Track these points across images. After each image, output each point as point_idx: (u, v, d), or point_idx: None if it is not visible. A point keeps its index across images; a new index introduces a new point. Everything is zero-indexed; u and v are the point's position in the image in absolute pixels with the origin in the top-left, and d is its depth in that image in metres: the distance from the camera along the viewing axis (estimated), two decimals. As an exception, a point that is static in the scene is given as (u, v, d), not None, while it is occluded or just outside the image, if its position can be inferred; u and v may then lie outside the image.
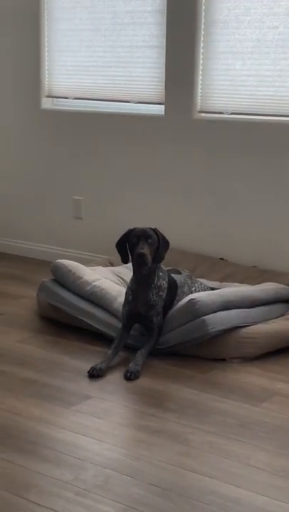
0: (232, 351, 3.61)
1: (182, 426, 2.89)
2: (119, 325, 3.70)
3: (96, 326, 3.80)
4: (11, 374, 3.38)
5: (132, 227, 3.64)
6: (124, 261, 3.64)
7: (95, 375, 3.34)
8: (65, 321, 3.97)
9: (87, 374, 3.35)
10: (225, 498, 2.43)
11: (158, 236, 3.55)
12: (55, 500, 2.38)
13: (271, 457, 2.69)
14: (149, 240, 3.51)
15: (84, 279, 4.01)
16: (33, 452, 2.68)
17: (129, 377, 3.32)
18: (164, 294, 3.60)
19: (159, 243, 3.54)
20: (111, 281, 4.12)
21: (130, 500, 2.40)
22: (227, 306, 3.68)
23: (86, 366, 3.47)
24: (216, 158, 4.64)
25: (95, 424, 2.91)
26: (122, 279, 4.25)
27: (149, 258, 3.47)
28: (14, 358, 3.57)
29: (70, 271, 4.07)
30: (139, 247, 3.48)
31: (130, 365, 3.39)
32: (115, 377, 3.36)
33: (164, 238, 3.59)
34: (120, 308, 3.72)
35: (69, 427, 2.89)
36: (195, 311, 3.56)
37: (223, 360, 3.59)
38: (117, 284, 4.14)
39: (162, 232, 3.63)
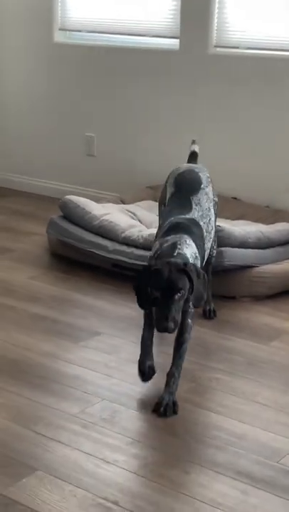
0: (243, 290, 3.60)
1: (190, 363, 2.89)
2: (130, 251, 3.70)
3: (106, 255, 3.79)
4: (22, 310, 3.40)
5: (152, 264, 2.62)
6: (144, 307, 2.67)
7: (150, 374, 2.69)
8: (75, 257, 3.97)
9: (141, 377, 2.70)
10: (230, 433, 2.45)
11: (190, 278, 2.53)
12: (62, 432, 2.41)
13: (278, 395, 2.71)
14: (178, 295, 2.50)
15: (92, 213, 4.00)
16: (41, 386, 2.71)
17: (165, 413, 2.53)
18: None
19: (192, 285, 2.54)
20: (121, 215, 4.10)
21: (136, 434, 2.43)
22: (244, 245, 3.66)
23: (96, 303, 3.49)
24: (231, 94, 4.54)
25: (103, 360, 2.93)
26: (134, 214, 4.23)
27: (177, 322, 2.51)
28: (25, 294, 3.59)
29: (78, 206, 4.06)
30: (163, 316, 2.46)
31: (164, 394, 2.58)
32: (124, 314, 3.36)
33: (198, 274, 2.57)
34: (130, 236, 3.71)
35: (77, 362, 2.91)
36: (216, 239, 3.52)
37: (234, 298, 3.58)
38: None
39: (195, 265, 2.65)
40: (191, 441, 2.41)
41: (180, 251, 2.63)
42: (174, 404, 2.55)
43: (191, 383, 2.77)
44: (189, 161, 3.46)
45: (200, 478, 2.21)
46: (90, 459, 2.27)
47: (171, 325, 2.45)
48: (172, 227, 2.78)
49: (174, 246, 2.65)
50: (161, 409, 2.53)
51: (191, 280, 2.52)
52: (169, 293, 2.47)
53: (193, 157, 3.48)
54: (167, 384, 2.60)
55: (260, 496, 2.12)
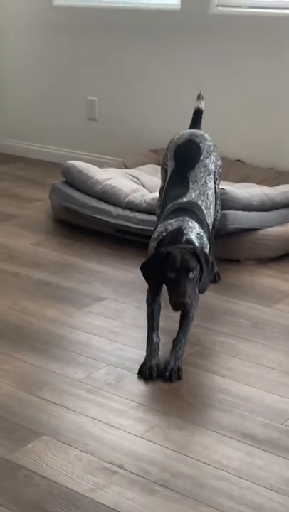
0: (247, 253, 3.58)
1: (194, 326, 2.88)
2: (133, 215, 3.68)
3: (109, 220, 3.76)
4: (25, 276, 3.39)
5: (163, 250, 2.61)
6: (155, 293, 2.70)
7: (152, 376, 2.55)
8: (78, 223, 3.95)
9: (140, 376, 2.57)
10: (235, 396, 2.45)
11: (200, 262, 2.59)
12: (68, 397, 2.42)
13: (282, 357, 2.70)
14: (191, 275, 2.55)
15: (95, 178, 3.97)
16: (45, 352, 2.71)
17: (170, 379, 2.53)
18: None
19: (202, 269, 2.60)
20: (124, 180, 4.06)
21: (141, 398, 2.43)
22: (248, 208, 3.63)
23: (99, 268, 3.48)
24: (233, 54, 4.47)
25: (107, 325, 2.92)
26: (137, 179, 4.19)
27: (192, 300, 2.57)
28: (28, 260, 3.58)
29: (80, 171, 4.03)
30: (181, 292, 2.50)
31: (169, 359, 2.58)
32: (128, 279, 3.35)
33: (207, 260, 2.62)
34: (133, 200, 3.68)
35: (81, 327, 2.91)
36: (220, 203, 3.50)
37: (238, 261, 3.57)
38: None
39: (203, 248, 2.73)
40: (196, 404, 2.41)
41: (187, 236, 2.69)
42: (179, 369, 2.55)
43: (196, 346, 2.77)
44: (193, 121, 3.40)
45: (205, 440, 2.21)
46: (95, 424, 2.28)
47: (188, 300, 2.49)
48: (174, 211, 2.84)
49: (179, 232, 2.71)
50: (166, 374, 2.53)
51: (201, 265, 2.58)
52: (185, 272, 2.53)
53: (197, 116, 3.40)
54: (173, 350, 2.60)
55: (265, 458, 2.12)
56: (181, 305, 2.50)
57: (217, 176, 3.16)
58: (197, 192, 2.96)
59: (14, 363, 2.63)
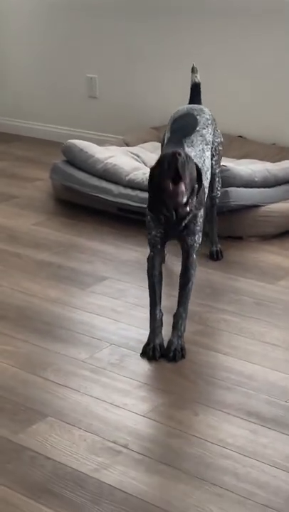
0: (250, 230, 3.56)
1: (197, 305, 2.88)
2: (134, 194, 3.65)
3: (110, 199, 3.74)
4: (26, 257, 3.38)
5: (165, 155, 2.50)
6: (155, 209, 2.54)
7: (156, 356, 2.52)
8: (80, 202, 3.93)
9: (144, 356, 2.54)
10: (239, 374, 2.44)
11: (198, 173, 2.53)
12: (71, 378, 2.41)
13: (286, 334, 2.69)
14: (191, 175, 2.47)
15: (96, 157, 3.94)
16: (48, 332, 2.71)
17: (174, 359, 2.51)
18: (201, 207, 2.61)
19: (200, 184, 2.54)
20: (125, 158, 4.03)
21: (145, 377, 2.43)
22: (251, 184, 3.60)
23: (101, 247, 3.47)
24: (233, 28, 4.42)
25: (110, 305, 2.91)
26: (138, 156, 4.16)
27: (192, 208, 2.51)
28: (29, 240, 3.56)
29: (81, 150, 4.00)
30: (178, 189, 2.41)
31: (172, 338, 2.55)
32: (130, 258, 3.33)
33: (201, 180, 2.55)
34: (134, 178, 3.65)
35: (84, 307, 2.90)
36: (221, 179, 3.47)
37: (241, 238, 3.55)
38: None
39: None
40: (200, 382, 2.41)
41: (185, 150, 2.65)
42: (182, 348, 2.54)
43: (199, 325, 2.75)
44: (192, 96, 3.33)
45: (209, 419, 2.21)
46: (99, 404, 2.27)
47: (188, 206, 2.45)
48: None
49: (178, 146, 2.66)
50: (170, 354, 2.52)
51: (199, 174, 2.52)
52: (182, 170, 2.40)
53: (195, 90, 3.32)
54: (175, 326, 2.58)
55: (270, 436, 2.12)
56: (176, 203, 2.42)
57: (215, 153, 3.09)
58: (193, 154, 2.80)
59: (17, 344, 2.62)
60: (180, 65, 4.65)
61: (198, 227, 2.60)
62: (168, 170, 2.41)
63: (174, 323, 2.59)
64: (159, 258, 2.64)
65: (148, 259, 2.64)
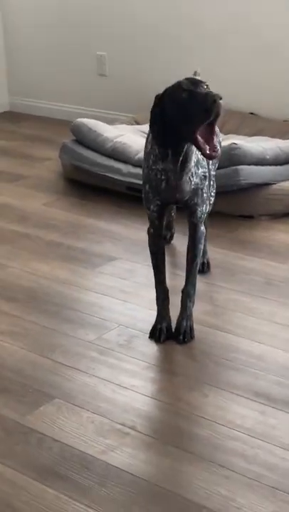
0: (260, 208, 3.52)
1: (207, 285, 2.86)
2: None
3: (120, 178, 3.70)
4: (36, 237, 3.36)
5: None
6: (161, 140, 2.31)
7: (161, 339, 2.51)
8: (90, 182, 3.90)
9: (152, 338, 2.53)
10: (248, 354, 2.42)
11: None
12: (79, 359, 2.41)
13: (296, 314, 2.67)
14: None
15: (105, 136, 3.91)
16: (57, 313, 2.70)
17: (184, 340, 2.49)
18: (206, 171, 2.48)
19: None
20: (135, 137, 3.99)
21: (153, 359, 2.42)
22: (262, 162, 3.56)
23: (111, 227, 3.45)
24: (251, 4, 4.34)
25: (119, 285, 2.90)
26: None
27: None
28: (39, 221, 3.55)
29: (90, 129, 3.97)
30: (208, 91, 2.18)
31: (181, 320, 2.53)
32: (139, 238, 3.31)
33: None
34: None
35: (93, 288, 2.89)
36: (231, 157, 3.42)
37: (251, 217, 3.51)
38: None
39: None
40: (209, 363, 2.39)
41: None
42: (191, 328, 2.51)
43: (208, 305, 2.73)
44: None
45: (218, 400, 2.19)
46: (107, 385, 2.26)
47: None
48: None
49: None
50: (180, 336, 2.49)
51: None
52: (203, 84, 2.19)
53: None
54: (183, 305, 2.54)
55: (279, 417, 2.10)
56: (216, 150, 2.19)
57: None
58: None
59: (26, 325, 2.62)
60: (191, 42, 4.60)
61: (205, 195, 2.47)
62: (208, 112, 2.14)
63: (182, 301, 2.54)
64: (159, 233, 2.54)
65: (149, 235, 2.56)
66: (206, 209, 2.51)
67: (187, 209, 2.48)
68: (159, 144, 2.31)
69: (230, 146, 3.47)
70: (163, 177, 2.36)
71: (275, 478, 1.87)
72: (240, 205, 3.49)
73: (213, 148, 2.20)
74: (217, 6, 4.45)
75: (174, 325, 2.54)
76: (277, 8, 4.25)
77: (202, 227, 2.52)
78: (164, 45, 4.72)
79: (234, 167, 3.42)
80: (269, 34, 4.31)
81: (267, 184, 3.50)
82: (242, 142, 3.63)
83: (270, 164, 3.58)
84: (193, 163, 2.36)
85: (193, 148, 2.32)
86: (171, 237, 3.26)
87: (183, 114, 2.19)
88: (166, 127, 2.24)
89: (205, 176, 2.45)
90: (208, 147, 2.20)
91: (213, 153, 2.21)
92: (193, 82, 2.22)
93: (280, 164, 3.62)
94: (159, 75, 4.76)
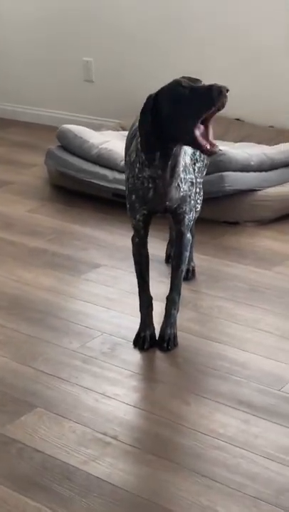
0: (246, 214, 3.52)
1: (192, 292, 2.85)
2: None
3: (105, 184, 3.69)
4: (21, 244, 3.35)
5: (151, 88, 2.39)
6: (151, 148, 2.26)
7: (145, 346, 2.49)
8: (75, 188, 3.89)
9: (136, 346, 2.51)
10: (232, 362, 2.41)
11: None
12: (62, 367, 2.39)
13: (280, 320, 2.66)
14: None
15: (91, 142, 3.90)
16: (40, 321, 2.68)
17: (168, 348, 2.48)
18: (193, 177, 2.46)
19: None
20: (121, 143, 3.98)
21: (136, 367, 2.40)
22: (247, 168, 3.56)
23: (96, 234, 3.43)
24: (231, 5, 4.34)
25: (103, 292, 2.88)
26: (133, 143, 4.11)
27: None
28: (24, 227, 3.53)
29: (76, 135, 3.96)
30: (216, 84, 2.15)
31: (165, 327, 2.51)
32: (124, 244, 3.30)
33: None
34: None
35: (78, 295, 2.87)
36: (216, 164, 3.42)
37: (237, 223, 3.50)
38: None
39: None
40: (193, 371, 2.38)
41: None
42: (174, 337, 2.50)
43: (193, 312, 2.72)
44: None
45: (201, 409, 2.18)
46: (89, 394, 2.25)
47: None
48: None
49: None
50: (164, 344, 2.48)
51: None
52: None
53: None
54: (167, 313, 2.52)
55: (261, 425, 2.09)
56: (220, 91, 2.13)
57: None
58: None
59: (8, 333, 2.60)
60: (176, 47, 4.59)
61: (193, 202, 2.45)
62: (213, 100, 2.12)
63: (166, 308, 2.53)
64: (144, 242, 2.51)
65: (133, 245, 2.53)
66: (192, 216, 2.50)
67: (175, 217, 2.45)
68: (146, 147, 2.27)
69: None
70: (150, 185, 2.33)
71: (257, 488, 1.86)
72: (225, 211, 3.48)
73: (212, 143, 2.18)
74: (203, 14, 4.45)
75: (158, 332, 2.53)
76: (264, 14, 4.25)
77: (188, 235, 2.51)
78: (150, 52, 4.71)
79: (219, 173, 3.42)
80: (255, 40, 4.32)
81: (252, 190, 3.49)
82: (227, 148, 3.63)
83: (255, 170, 3.58)
84: (182, 168, 2.34)
85: (182, 152, 2.31)
86: None
87: (184, 109, 2.16)
88: (158, 127, 2.21)
89: (192, 183, 2.43)
90: (207, 143, 2.17)
91: (214, 149, 2.18)
92: (192, 80, 2.21)
93: (265, 170, 3.61)
94: (145, 81, 4.75)
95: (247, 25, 4.33)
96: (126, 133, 4.24)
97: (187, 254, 2.54)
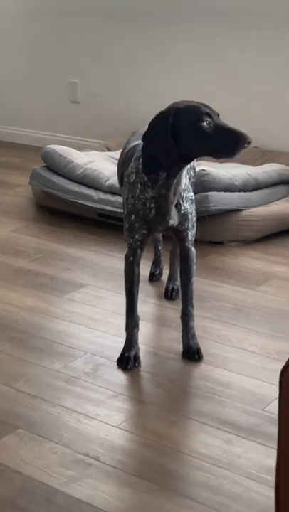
0: (231, 234, 3.52)
1: (176, 312, 2.82)
2: (114, 199, 3.59)
3: (90, 204, 3.69)
4: (4, 264, 3.33)
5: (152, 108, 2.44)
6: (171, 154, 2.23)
7: (128, 366, 2.48)
8: (60, 208, 3.88)
9: (119, 366, 2.49)
10: (216, 382, 2.40)
11: None
12: (44, 388, 2.37)
13: (265, 340, 2.65)
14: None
15: (75, 162, 3.90)
16: (23, 342, 2.66)
17: (199, 358, 2.52)
18: (192, 195, 2.47)
19: None
20: (105, 163, 3.99)
21: (119, 387, 2.38)
22: (231, 188, 3.57)
23: (81, 254, 3.42)
24: (217, 32, 4.38)
25: (87, 312, 2.87)
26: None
27: None
28: (8, 247, 3.51)
29: (60, 156, 3.96)
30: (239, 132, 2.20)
31: (188, 341, 2.53)
32: (109, 265, 3.29)
33: None
34: (114, 183, 3.58)
35: (61, 315, 2.85)
36: (201, 184, 3.41)
37: (221, 243, 3.50)
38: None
39: None
40: (176, 391, 2.36)
41: None
42: (199, 348, 2.53)
43: (177, 332, 2.70)
44: None
45: (184, 429, 2.16)
46: (71, 415, 2.23)
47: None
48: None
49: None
50: (195, 356, 2.50)
51: None
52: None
53: None
54: (187, 327, 2.53)
55: (244, 445, 2.08)
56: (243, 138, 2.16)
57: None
58: None
59: (-9, 354, 2.58)
60: (161, 69, 4.62)
61: (195, 218, 2.46)
62: (234, 154, 2.18)
63: (184, 323, 2.53)
64: (138, 261, 2.49)
65: (127, 263, 2.49)
66: (195, 231, 2.50)
67: (178, 234, 2.46)
68: (150, 168, 2.28)
69: (200, 173, 3.47)
70: (152, 205, 2.33)
71: (239, 509, 1.84)
72: (210, 231, 3.48)
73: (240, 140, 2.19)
74: (184, 35, 4.48)
75: (141, 353, 2.52)
76: (245, 35, 4.29)
77: (193, 248, 2.51)
78: (137, 73, 4.74)
79: (204, 193, 3.43)
80: (238, 60, 4.35)
81: (236, 210, 3.50)
82: (211, 169, 3.64)
83: (240, 190, 3.59)
84: (184, 186, 2.37)
85: (185, 170, 2.33)
86: (160, 274, 3.17)
87: (202, 141, 2.21)
88: (174, 147, 2.19)
89: (192, 200, 2.45)
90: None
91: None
92: (210, 110, 2.26)
93: (249, 190, 3.63)
94: (131, 102, 4.78)
95: (230, 46, 4.36)
96: (111, 153, 4.27)
97: (194, 266, 2.55)
